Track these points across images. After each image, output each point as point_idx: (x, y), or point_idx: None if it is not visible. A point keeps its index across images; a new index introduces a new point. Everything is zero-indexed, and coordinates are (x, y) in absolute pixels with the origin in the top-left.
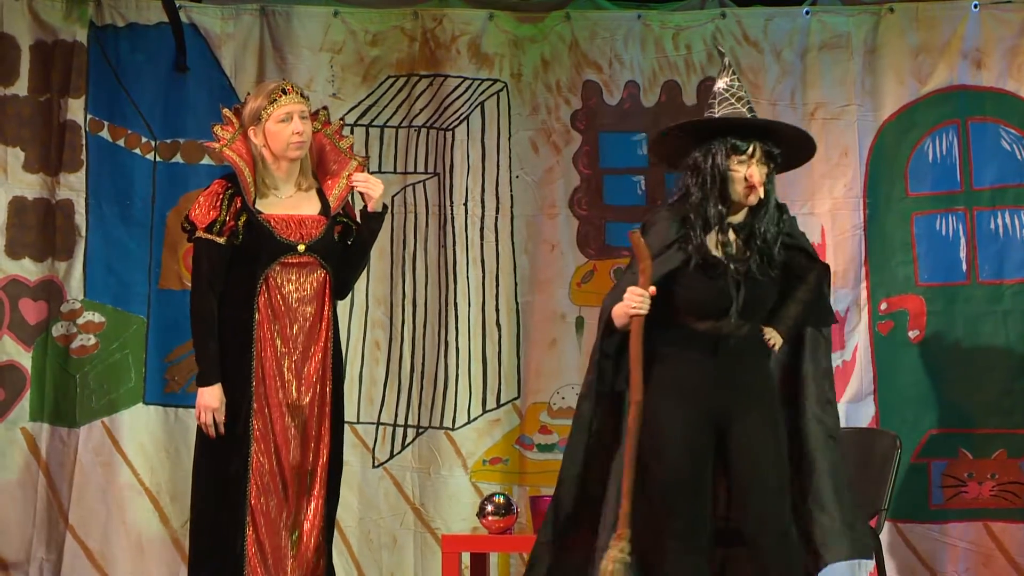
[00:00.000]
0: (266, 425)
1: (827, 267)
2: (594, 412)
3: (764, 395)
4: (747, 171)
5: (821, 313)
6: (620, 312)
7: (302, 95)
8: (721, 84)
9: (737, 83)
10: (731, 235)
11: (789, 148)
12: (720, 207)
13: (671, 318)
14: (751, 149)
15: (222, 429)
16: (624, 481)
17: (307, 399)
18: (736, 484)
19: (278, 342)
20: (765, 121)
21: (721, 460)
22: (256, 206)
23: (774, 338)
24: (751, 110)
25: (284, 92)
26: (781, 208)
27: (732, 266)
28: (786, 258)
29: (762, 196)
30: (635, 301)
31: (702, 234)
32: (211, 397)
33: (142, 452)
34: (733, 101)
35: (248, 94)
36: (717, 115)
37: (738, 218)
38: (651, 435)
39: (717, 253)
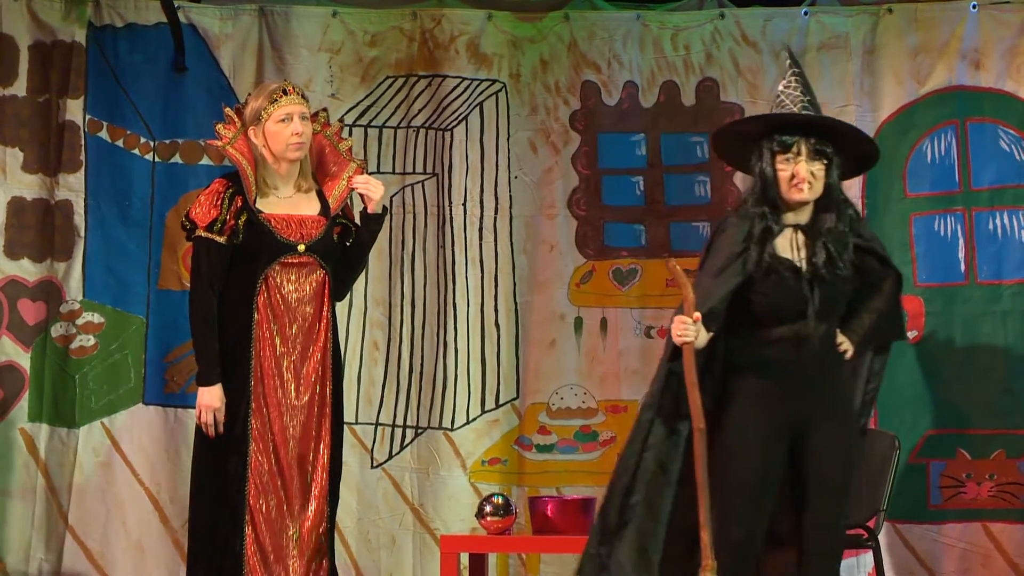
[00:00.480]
0: (264, 425)
1: (900, 275)
2: (652, 423)
3: (841, 400)
4: (793, 168)
5: (893, 325)
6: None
7: (302, 96)
8: (780, 85)
9: (795, 81)
10: (799, 235)
11: (847, 146)
12: (770, 208)
13: (748, 327)
14: (796, 146)
15: (222, 429)
16: (700, 511)
17: (306, 399)
18: (806, 488)
19: (277, 342)
20: (807, 116)
21: (792, 463)
22: (256, 205)
23: (845, 344)
24: (807, 108)
25: (285, 92)
26: (847, 205)
27: (803, 267)
28: (858, 260)
29: (808, 194)
30: (680, 330)
31: (766, 237)
32: (212, 396)
33: (141, 452)
34: (788, 102)
35: (249, 94)
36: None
37: (803, 217)
38: (725, 446)
39: (787, 255)
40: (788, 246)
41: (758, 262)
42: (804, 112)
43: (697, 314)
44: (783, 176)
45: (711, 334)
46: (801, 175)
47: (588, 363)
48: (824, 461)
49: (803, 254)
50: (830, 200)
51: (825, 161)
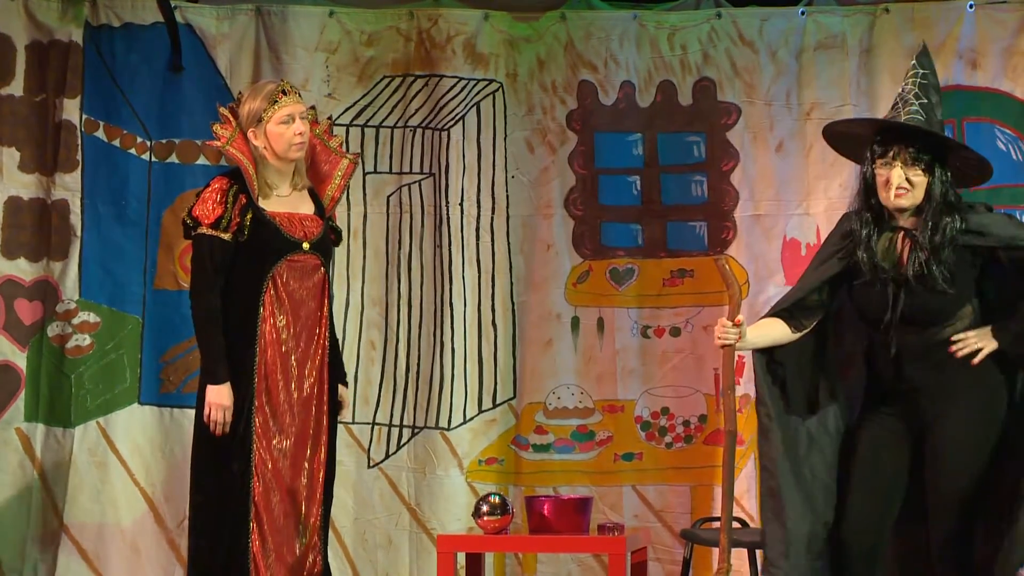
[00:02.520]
0: (267, 422)
1: None
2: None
3: (962, 401)
4: (889, 172)
5: None
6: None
7: (299, 95)
8: (902, 85)
9: (914, 82)
10: (898, 240)
11: (956, 156)
12: (869, 213)
13: (860, 324)
14: (892, 151)
15: (227, 428)
16: (722, 515)
17: (307, 396)
18: (926, 491)
19: (284, 337)
20: (904, 124)
21: (916, 461)
22: (259, 201)
23: (967, 346)
24: (916, 112)
25: (284, 93)
26: (956, 209)
27: (891, 273)
28: (982, 260)
29: (904, 201)
30: (719, 332)
31: (864, 239)
32: (221, 394)
33: (137, 452)
34: (900, 104)
35: (240, 93)
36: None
37: (907, 222)
38: (849, 448)
39: (885, 260)
40: (890, 250)
41: (848, 265)
42: (907, 118)
43: (740, 317)
44: (880, 180)
45: (785, 334)
46: (894, 181)
47: (585, 363)
48: (937, 464)
49: (895, 258)
50: (930, 208)
51: (923, 167)
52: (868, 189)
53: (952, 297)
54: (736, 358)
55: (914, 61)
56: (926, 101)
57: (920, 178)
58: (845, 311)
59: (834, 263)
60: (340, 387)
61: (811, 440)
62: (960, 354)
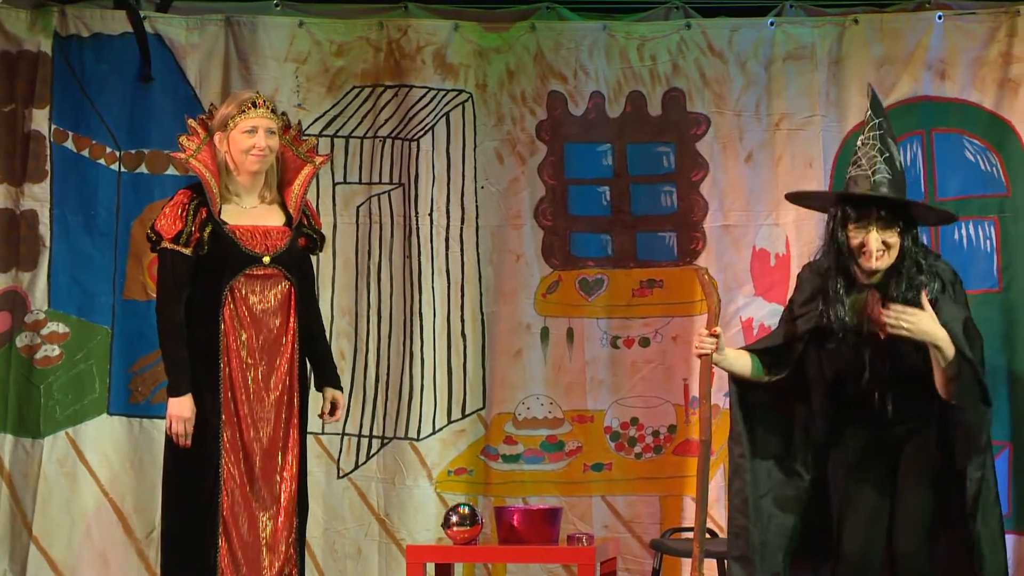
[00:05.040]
0: (235, 436)
1: (972, 362)
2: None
3: (924, 463)
4: (864, 236)
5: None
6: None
7: (273, 111)
8: (859, 140)
9: (874, 138)
10: (870, 300)
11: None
12: (840, 278)
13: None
14: (866, 217)
15: (189, 441)
16: (696, 524)
17: (273, 410)
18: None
19: (244, 353)
20: (870, 198)
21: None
22: (221, 215)
23: (898, 320)
24: (882, 176)
25: (254, 105)
26: (919, 271)
27: (864, 332)
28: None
29: (880, 264)
30: (697, 342)
31: (836, 300)
32: (182, 407)
33: (106, 463)
34: (865, 164)
35: (212, 104)
36: (848, 175)
37: (876, 279)
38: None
39: (856, 318)
40: (860, 309)
41: (819, 321)
42: (877, 188)
43: (717, 328)
44: (855, 244)
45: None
46: (871, 246)
47: (554, 373)
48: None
49: (877, 317)
50: (901, 265)
51: (898, 229)
52: (839, 250)
53: (925, 353)
54: (711, 371)
55: (869, 111)
56: (889, 155)
57: (895, 239)
58: (811, 368)
59: (806, 320)
60: (330, 390)
61: (775, 483)
62: (887, 322)
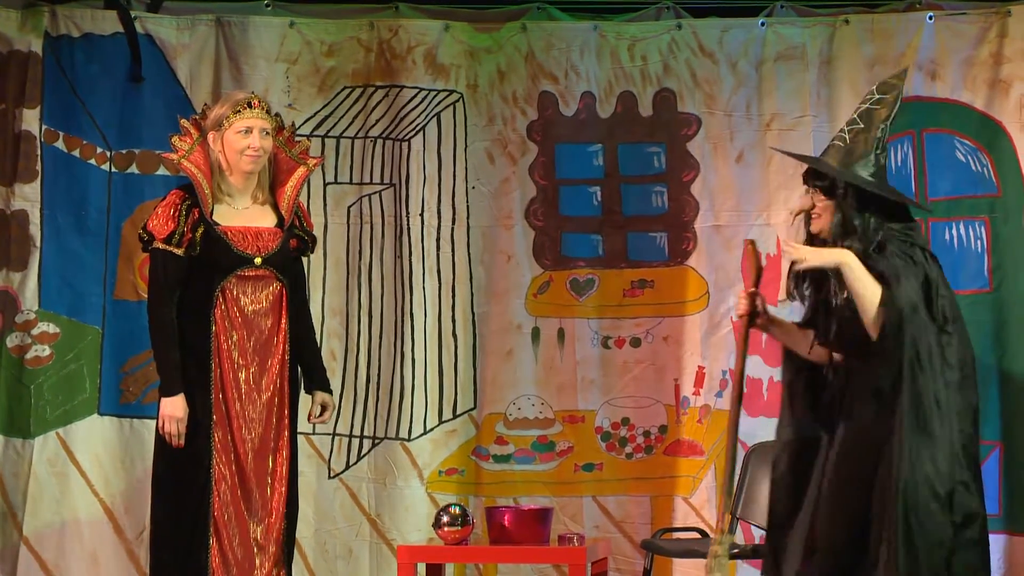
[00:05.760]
0: (226, 436)
1: (889, 299)
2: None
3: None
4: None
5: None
6: None
7: (268, 112)
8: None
9: (856, 117)
10: None
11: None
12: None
13: None
14: (806, 178)
15: (183, 441)
16: (725, 477)
17: (264, 411)
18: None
19: (235, 354)
20: (800, 157)
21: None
22: (213, 216)
23: (794, 257)
24: (836, 141)
25: (250, 105)
26: (865, 235)
27: (822, 296)
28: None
29: (815, 227)
30: (737, 303)
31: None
32: (175, 407)
33: (97, 463)
34: (843, 130)
35: (206, 104)
36: None
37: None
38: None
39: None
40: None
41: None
42: (823, 152)
43: (754, 290)
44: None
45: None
46: (807, 209)
47: (545, 373)
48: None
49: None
50: (839, 228)
51: (825, 192)
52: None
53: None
54: (747, 337)
55: (874, 88)
56: (853, 124)
57: (824, 204)
58: None
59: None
60: (320, 394)
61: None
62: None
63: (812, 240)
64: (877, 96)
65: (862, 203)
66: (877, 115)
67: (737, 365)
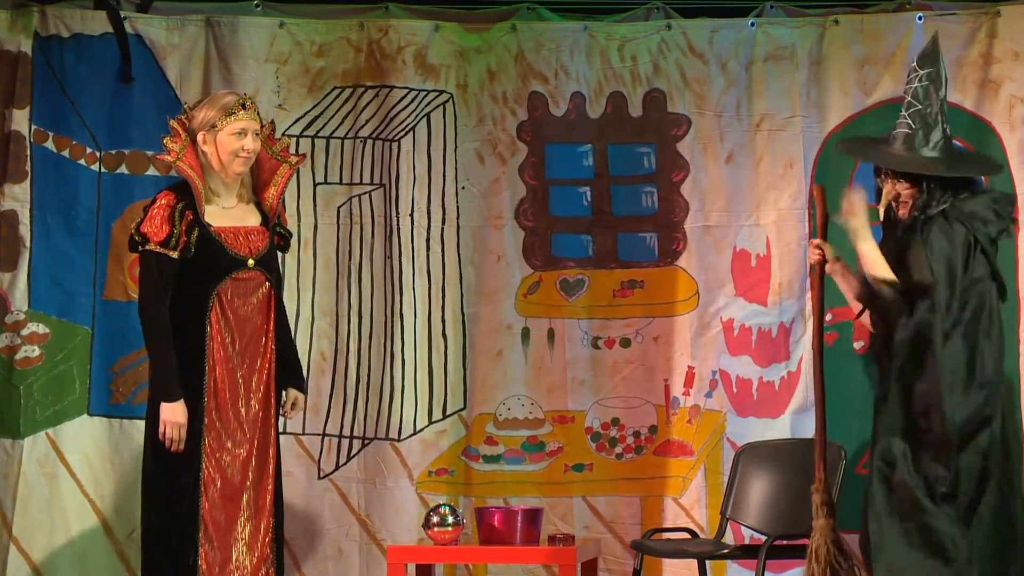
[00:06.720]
0: (218, 438)
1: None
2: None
3: None
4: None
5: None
6: None
7: (257, 113)
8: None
9: (914, 95)
10: None
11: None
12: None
13: None
14: (883, 174)
15: (182, 446)
16: (816, 424)
17: (254, 412)
18: None
19: (230, 355)
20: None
21: None
22: (205, 218)
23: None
24: (912, 125)
25: (244, 107)
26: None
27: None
28: None
29: (904, 213)
30: (810, 251)
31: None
32: (175, 412)
33: (87, 463)
34: (903, 115)
35: (190, 102)
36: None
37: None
38: None
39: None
40: None
41: None
42: (891, 143)
43: (817, 240)
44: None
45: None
46: (890, 197)
47: (535, 374)
48: None
49: None
50: (913, 214)
51: (908, 183)
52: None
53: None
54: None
55: (916, 63)
56: (920, 108)
57: (907, 191)
58: None
59: None
60: (293, 391)
61: None
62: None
63: (896, 226)
64: (923, 72)
65: (939, 183)
66: (930, 91)
67: (815, 314)
